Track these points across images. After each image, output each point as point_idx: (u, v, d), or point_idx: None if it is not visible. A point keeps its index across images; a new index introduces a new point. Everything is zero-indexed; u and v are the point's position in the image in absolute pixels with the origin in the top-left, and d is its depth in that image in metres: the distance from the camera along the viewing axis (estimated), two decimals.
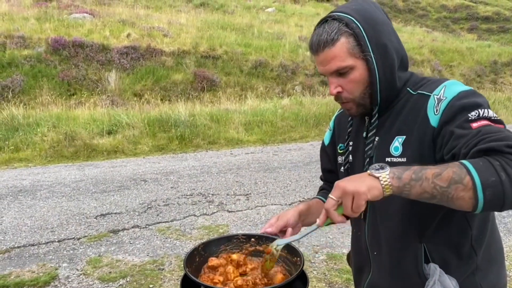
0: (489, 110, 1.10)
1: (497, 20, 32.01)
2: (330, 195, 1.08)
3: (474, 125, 1.07)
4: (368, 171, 1.06)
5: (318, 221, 1.15)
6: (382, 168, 1.05)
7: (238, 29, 16.92)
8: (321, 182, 1.71)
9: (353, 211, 1.05)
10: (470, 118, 1.08)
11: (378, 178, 1.03)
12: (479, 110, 1.09)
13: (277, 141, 9.56)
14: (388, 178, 1.02)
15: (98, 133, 8.79)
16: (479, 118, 1.08)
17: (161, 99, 11.74)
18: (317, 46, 1.22)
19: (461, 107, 1.12)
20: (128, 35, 13.76)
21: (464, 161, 1.00)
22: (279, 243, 1.26)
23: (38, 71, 11.49)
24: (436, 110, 1.16)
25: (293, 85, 14.31)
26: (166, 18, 16.56)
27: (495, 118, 1.08)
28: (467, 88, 1.18)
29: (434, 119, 1.16)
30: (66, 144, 8.17)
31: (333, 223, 1.14)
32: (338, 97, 1.28)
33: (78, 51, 12.35)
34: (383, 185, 1.02)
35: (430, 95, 1.20)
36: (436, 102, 1.17)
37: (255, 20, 19.15)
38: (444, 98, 1.16)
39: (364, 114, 1.34)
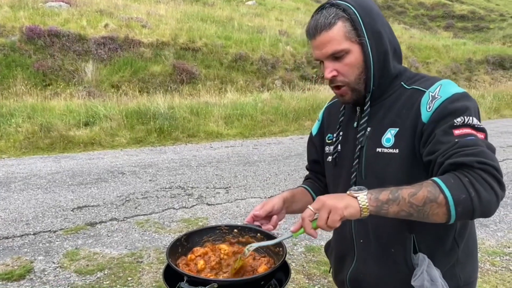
0: (473, 117, 1.15)
1: (472, 19, 32.73)
2: (309, 206, 1.13)
3: (456, 132, 1.12)
4: (348, 192, 1.12)
5: (292, 228, 1.20)
6: (360, 189, 1.11)
7: (218, 21, 16.80)
8: (307, 172, 1.72)
9: (327, 225, 1.10)
10: (454, 124, 1.14)
11: (356, 198, 1.09)
12: (465, 116, 1.14)
13: (257, 135, 9.57)
14: (365, 199, 1.08)
15: (74, 124, 8.63)
16: (463, 125, 1.13)
17: (139, 91, 11.59)
18: (315, 30, 1.25)
19: (450, 111, 1.16)
20: (106, 26, 13.50)
21: (437, 179, 1.07)
22: (253, 245, 1.30)
23: (12, 60, 11.17)
24: (429, 107, 1.20)
25: (273, 79, 14.32)
26: (145, 9, 16.31)
27: (478, 126, 1.14)
28: (460, 90, 1.22)
29: (425, 115, 1.20)
30: (41, 136, 7.99)
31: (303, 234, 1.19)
32: (333, 80, 1.29)
33: (54, 41, 12.05)
34: (360, 205, 1.08)
35: (425, 91, 1.24)
36: (430, 99, 1.21)
37: (235, 13, 19.05)
38: (439, 97, 1.20)
39: (356, 103, 1.35)
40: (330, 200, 1.11)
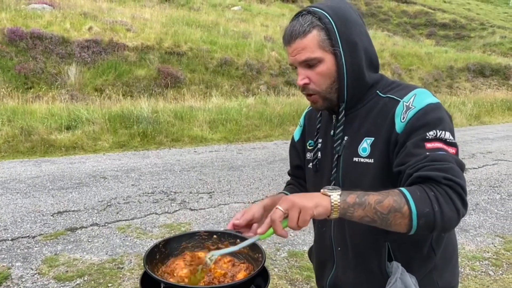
0: (446, 132, 1.15)
1: (454, 27, 33.36)
2: (278, 206, 1.10)
3: (428, 145, 1.13)
4: (322, 190, 1.11)
5: (259, 230, 1.15)
6: (334, 189, 1.10)
7: (204, 26, 16.80)
8: (289, 177, 1.71)
9: (298, 225, 1.08)
10: (427, 137, 1.14)
11: (329, 196, 1.08)
12: (437, 130, 1.15)
13: (241, 140, 9.56)
14: (338, 198, 1.08)
15: (56, 128, 8.50)
16: (435, 139, 1.14)
17: (123, 95, 11.47)
18: (290, 37, 1.27)
19: (423, 123, 1.17)
20: (90, 28, 13.37)
21: (404, 190, 1.08)
22: (215, 253, 1.22)
23: None
24: (403, 118, 1.20)
25: (258, 84, 14.35)
26: (130, 13, 16.22)
27: (450, 141, 1.15)
28: (434, 100, 1.22)
29: (399, 126, 1.20)
30: (22, 139, 7.85)
31: (271, 235, 1.16)
32: (304, 88, 1.30)
33: (36, 43, 11.88)
34: (332, 204, 1.08)
35: (399, 101, 1.24)
36: (405, 109, 1.21)
37: (221, 18, 19.08)
38: (413, 107, 1.20)
39: (330, 110, 1.36)
40: (299, 199, 1.09)
